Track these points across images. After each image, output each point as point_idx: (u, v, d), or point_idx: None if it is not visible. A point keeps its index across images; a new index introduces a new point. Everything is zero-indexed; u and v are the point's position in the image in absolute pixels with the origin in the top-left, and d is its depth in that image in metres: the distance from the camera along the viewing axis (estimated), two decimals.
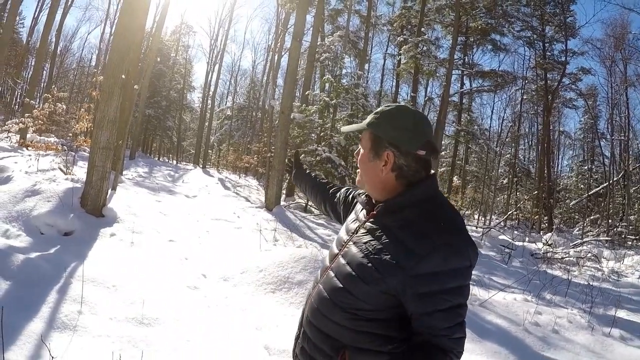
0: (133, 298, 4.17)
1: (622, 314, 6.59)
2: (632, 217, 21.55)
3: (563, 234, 20.64)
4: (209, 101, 38.32)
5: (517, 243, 13.96)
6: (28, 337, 3.05)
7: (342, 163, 14.78)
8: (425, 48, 20.87)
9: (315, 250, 7.04)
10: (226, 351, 3.65)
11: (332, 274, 1.44)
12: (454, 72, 22.77)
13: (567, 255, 12.70)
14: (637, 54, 25.58)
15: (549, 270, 10.52)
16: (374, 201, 1.47)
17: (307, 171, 2.38)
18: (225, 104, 47.25)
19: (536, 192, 24.50)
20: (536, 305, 6.20)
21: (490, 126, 35.80)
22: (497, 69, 25.00)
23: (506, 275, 9.04)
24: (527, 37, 25.09)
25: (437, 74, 24.05)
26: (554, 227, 21.97)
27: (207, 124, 38.31)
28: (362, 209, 1.54)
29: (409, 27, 23.63)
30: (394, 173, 1.38)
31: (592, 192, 26.63)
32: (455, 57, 22.46)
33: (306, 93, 17.46)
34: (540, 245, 14.32)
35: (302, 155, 14.76)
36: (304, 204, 14.93)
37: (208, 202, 13.06)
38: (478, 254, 1.32)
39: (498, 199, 29.61)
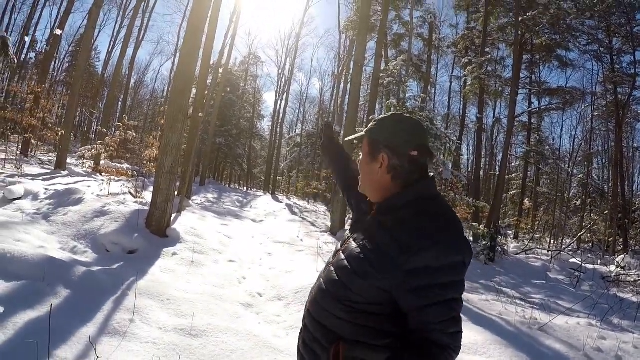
0: (185, 311, 4.37)
1: None
2: None
3: (639, 256, 19.33)
4: (278, 129, 39.18)
5: (588, 266, 13.21)
6: (79, 339, 3.32)
7: None
8: (490, 68, 20.50)
9: None
10: None
11: (332, 268, 1.51)
12: (521, 91, 22.13)
13: None
14: None
15: (619, 294, 9.84)
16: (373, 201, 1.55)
17: (339, 146, 2.32)
18: (295, 132, 48.12)
19: (606, 212, 23.12)
20: (600, 330, 5.84)
21: (560, 146, 34.45)
22: (564, 86, 23.96)
23: (573, 300, 8.57)
24: (594, 50, 23.76)
25: (504, 94, 23.45)
26: (630, 249, 20.60)
27: (276, 151, 39.12)
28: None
29: (473, 47, 23.26)
30: (390, 174, 1.46)
31: None
32: (522, 75, 21.84)
33: (370, 118, 17.54)
34: (612, 268, 13.51)
35: None
36: None
37: (273, 227, 13.22)
38: (472, 252, 1.36)
39: (571, 221, 28.16)
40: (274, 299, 5.82)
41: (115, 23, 36.25)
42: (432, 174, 1.49)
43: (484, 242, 13.66)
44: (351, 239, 1.51)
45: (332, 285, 1.47)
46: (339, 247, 1.58)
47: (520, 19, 17.76)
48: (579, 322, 6.20)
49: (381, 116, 1.59)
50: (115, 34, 35.96)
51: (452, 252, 1.28)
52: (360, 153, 1.59)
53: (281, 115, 39.03)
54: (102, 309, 3.93)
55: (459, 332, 1.33)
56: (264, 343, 4.13)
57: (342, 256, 1.48)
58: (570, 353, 5.01)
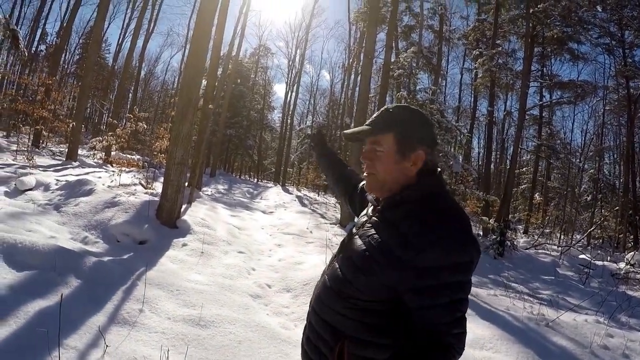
0: (194, 302, 4.42)
1: None
2: None
3: None
4: (289, 120, 39.16)
5: (597, 262, 13.14)
6: (89, 328, 3.38)
7: None
8: (501, 61, 20.30)
9: None
10: (275, 354, 3.79)
11: (336, 265, 1.51)
12: (532, 84, 21.92)
13: None
14: None
15: (628, 291, 9.78)
16: (380, 198, 1.52)
17: (332, 152, 2.37)
18: (305, 123, 48.06)
19: (617, 207, 22.91)
20: (608, 327, 5.80)
21: (571, 140, 34.19)
22: (576, 80, 23.70)
23: (581, 296, 8.53)
24: (606, 43, 23.47)
25: (515, 87, 23.25)
26: None
27: (286, 142, 39.15)
28: (371, 206, 1.60)
29: (484, 40, 23.02)
30: (418, 170, 1.45)
31: None
32: (533, 68, 21.59)
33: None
34: (622, 265, 13.42)
35: None
36: None
37: (283, 218, 13.22)
38: (480, 250, 1.33)
39: (582, 216, 27.96)
40: (282, 290, 5.87)
41: (125, 15, 36.27)
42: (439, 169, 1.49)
43: (494, 237, 13.65)
44: (357, 235, 1.48)
45: (336, 282, 1.47)
46: (345, 243, 1.56)
47: (531, 10, 17.58)
48: (587, 319, 6.18)
49: (395, 111, 1.51)
50: (125, 26, 36.03)
51: (459, 251, 1.26)
52: (376, 148, 1.49)
53: (292, 107, 39.02)
54: (112, 299, 3.99)
55: (463, 333, 1.32)
56: (272, 334, 4.18)
57: (347, 253, 1.47)
58: (577, 350, 5.00)
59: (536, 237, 20.69)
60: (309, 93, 50.86)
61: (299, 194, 26.02)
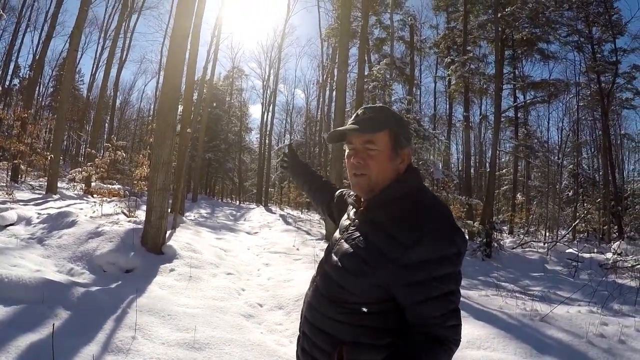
0: (186, 325, 4.34)
1: None
2: None
3: (635, 242, 19.46)
4: (267, 140, 39.22)
5: (584, 255, 13.30)
6: (82, 358, 3.30)
7: None
8: (473, 66, 20.68)
9: None
10: None
11: (326, 271, 1.49)
12: (505, 86, 22.35)
13: (638, 263, 11.97)
14: None
15: (618, 280, 9.94)
16: (362, 200, 1.52)
17: (305, 166, 2.36)
18: (283, 142, 48.13)
19: (599, 200, 23.32)
20: (601, 316, 5.87)
21: (549, 138, 34.76)
22: (548, 79, 24.24)
23: (572, 289, 8.59)
24: (575, 41, 24.26)
25: (489, 91, 23.66)
26: (625, 235, 20.75)
27: (266, 163, 39.14)
28: (352, 208, 1.59)
29: (455, 47, 23.48)
30: (405, 167, 1.47)
31: None
32: (505, 71, 22.08)
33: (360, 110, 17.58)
34: (609, 255, 13.61)
35: None
36: None
37: (268, 237, 13.26)
38: (467, 241, 1.34)
39: (565, 212, 28.35)
40: (274, 308, 5.86)
41: (97, 45, 36.52)
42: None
43: (480, 239, 13.73)
44: (342, 240, 1.48)
45: (328, 289, 1.45)
46: (331, 249, 1.55)
47: (499, 15, 17.97)
48: (580, 310, 6.23)
49: (380, 109, 1.50)
50: (97, 56, 35.97)
51: (446, 244, 1.27)
52: (369, 147, 1.44)
53: (269, 126, 39.20)
54: (103, 328, 3.90)
55: (459, 325, 1.32)
56: (268, 352, 4.14)
57: (335, 257, 1.46)
58: (573, 341, 5.03)
59: (522, 236, 20.88)
60: (285, 112, 51.13)
61: (282, 213, 26.00)
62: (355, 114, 1.51)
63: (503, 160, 33.55)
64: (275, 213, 25.22)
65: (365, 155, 1.44)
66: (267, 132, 39.04)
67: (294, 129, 50.35)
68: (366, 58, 20.18)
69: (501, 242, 14.86)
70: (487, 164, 24.86)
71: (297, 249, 10.93)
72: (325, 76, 33.05)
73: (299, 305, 5.65)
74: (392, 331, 1.35)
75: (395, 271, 1.27)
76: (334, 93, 20.20)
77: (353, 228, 1.47)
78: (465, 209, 17.59)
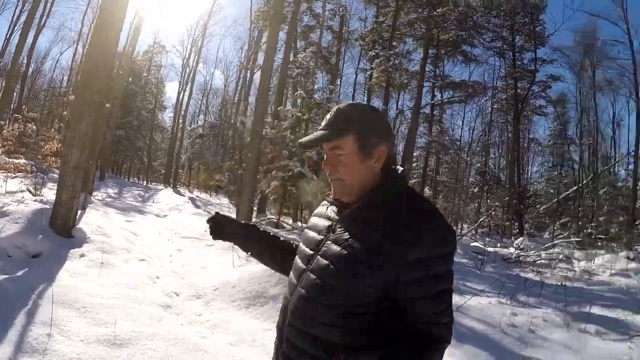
0: (105, 319, 4.08)
1: (595, 310, 6.69)
2: (600, 219, 22.03)
3: (534, 238, 21.00)
4: (181, 120, 38.03)
5: (489, 249, 14.10)
6: None
7: (315, 177, 14.62)
8: (397, 61, 21.15)
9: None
10: None
11: (313, 275, 1.42)
12: (425, 84, 23.12)
13: (539, 258, 13.03)
14: (606, 59, 26.68)
15: (522, 274, 10.68)
16: (344, 201, 1.48)
17: (248, 232, 1.89)
18: (197, 123, 46.89)
19: (506, 198, 24.89)
20: (511, 308, 6.30)
21: (461, 136, 36.43)
22: (467, 80, 25.52)
23: (480, 281, 9.11)
24: (498, 47, 25.79)
25: (409, 87, 24.36)
26: (525, 232, 22.32)
27: (178, 143, 37.98)
28: (328, 208, 1.56)
29: (381, 41, 23.88)
30: (382, 167, 1.44)
31: (562, 196, 27.28)
32: (427, 69, 22.84)
33: (278, 109, 17.44)
34: (512, 250, 14.54)
35: (274, 171, 14.76)
36: (276, 221, 14.83)
37: (178, 221, 12.97)
38: (456, 242, 1.38)
39: (469, 207, 30.00)
40: (192, 297, 5.80)
41: (16, 7, 33.04)
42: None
43: None
44: (329, 241, 1.43)
45: (321, 294, 1.38)
46: (310, 251, 1.49)
47: (430, 14, 18.49)
48: (491, 302, 6.66)
49: (347, 110, 1.45)
50: (15, 19, 32.85)
51: (443, 243, 1.31)
52: (337, 152, 1.42)
53: (184, 106, 38.01)
54: (14, 324, 3.52)
55: (451, 322, 1.36)
56: (193, 346, 4.04)
57: (325, 261, 1.39)
58: (488, 330, 5.41)
59: None
60: (201, 92, 49.72)
61: (191, 195, 25.52)
62: (325, 117, 1.49)
63: (415, 154, 34.84)
64: (184, 195, 24.73)
65: (335, 160, 1.44)
66: (182, 112, 37.89)
67: (209, 110, 49.22)
68: (293, 44, 19.97)
69: None
70: (400, 157, 25.65)
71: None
72: (249, 59, 32.45)
73: (217, 295, 5.71)
74: (386, 332, 1.33)
75: (394, 270, 1.28)
76: (256, 76, 19.87)
77: (342, 229, 1.42)
78: None
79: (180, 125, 38.20)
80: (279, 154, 15.96)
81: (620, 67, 25.51)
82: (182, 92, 38.51)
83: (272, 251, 1.84)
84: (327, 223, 1.51)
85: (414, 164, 33.89)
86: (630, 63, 22.75)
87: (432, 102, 25.91)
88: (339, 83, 33.13)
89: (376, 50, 22.46)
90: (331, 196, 1.52)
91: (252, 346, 4.36)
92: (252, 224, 1.91)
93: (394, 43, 21.79)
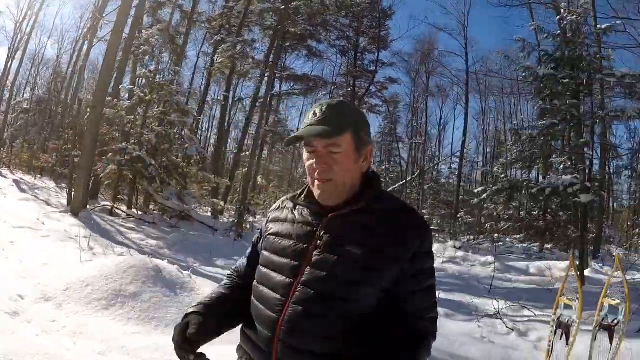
0: None
1: (439, 295, 7.73)
2: (425, 211, 24.81)
3: None
4: (7, 92, 33.30)
5: None
6: None
7: (153, 162, 14.13)
8: (243, 49, 21.36)
9: (145, 259, 6.33)
10: None
11: (310, 289, 1.29)
12: (266, 74, 23.77)
13: None
14: (440, 68, 31.12)
15: None
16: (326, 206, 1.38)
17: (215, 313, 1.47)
18: (23, 96, 41.24)
19: None
20: None
21: (297, 128, 37.79)
22: (310, 74, 26.89)
23: None
24: (342, 45, 27.31)
25: (253, 75, 24.76)
26: None
27: (4, 117, 33.31)
28: (297, 211, 1.47)
29: (228, 27, 23.66)
30: (367, 167, 1.43)
31: (389, 189, 30.04)
32: (270, 59, 23.48)
33: (119, 87, 16.55)
34: None
35: (110, 154, 14.07)
36: (110, 207, 14.21)
37: (4, 207, 11.39)
38: None
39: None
40: (40, 300, 5.01)
41: None
42: None
43: (232, 219, 14.48)
44: (319, 250, 1.33)
45: (321, 306, 1.28)
46: (295, 262, 1.34)
47: (284, 6, 19.05)
48: None
49: (341, 107, 1.42)
50: None
51: (430, 239, 1.39)
52: (332, 150, 1.33)
53: (11, 76, 33.27)
54: None
55: (437, 317, 1.41)
56: (53, 358, 3.66)
57: (322, 273, 1.29)
58: None
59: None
60: (30, 62, 43.82)
61: (15, 177, 22.49)
62: (312, 113, 1.38)
63: (248, 143, 35.39)
64: (7, 178, 21.66)
65: (330, 159, 1.33)
66: (9, 84, 33.23)
67: (37, 83, 43.69)
68: (140, 20, 18.99)
69: (252, 224, 15.86)
70: (235, 145, 26.05)
71: (43, 223, 9.80)
72: (89, 28, 29.66)
73: (69, 296, 5.04)
74: (386, 333, 1.31)
75: (400, 269, 1.30)
76: (95, 50, 18.42)
77: (329, 235, 1.33)
78: (211, 188, 18.01)
79: (6, 97, 33.51)
80: (115, 136, 15.23)
81: (453, 77, 30.17)
82: (11, 61, 33.79)
83: (232, 310, 1.50)
84: (306, 229, 1.39)
85: (247, 152, 34.43)
86: (464, 74, 27.48)
87: (272, 92, 26.57)
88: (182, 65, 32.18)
89: (222, 35, 22.26)
90: (303, 198, 1.47)
91: (122, 353, 3.98)
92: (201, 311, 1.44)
93: (243, 30, 22.04)
